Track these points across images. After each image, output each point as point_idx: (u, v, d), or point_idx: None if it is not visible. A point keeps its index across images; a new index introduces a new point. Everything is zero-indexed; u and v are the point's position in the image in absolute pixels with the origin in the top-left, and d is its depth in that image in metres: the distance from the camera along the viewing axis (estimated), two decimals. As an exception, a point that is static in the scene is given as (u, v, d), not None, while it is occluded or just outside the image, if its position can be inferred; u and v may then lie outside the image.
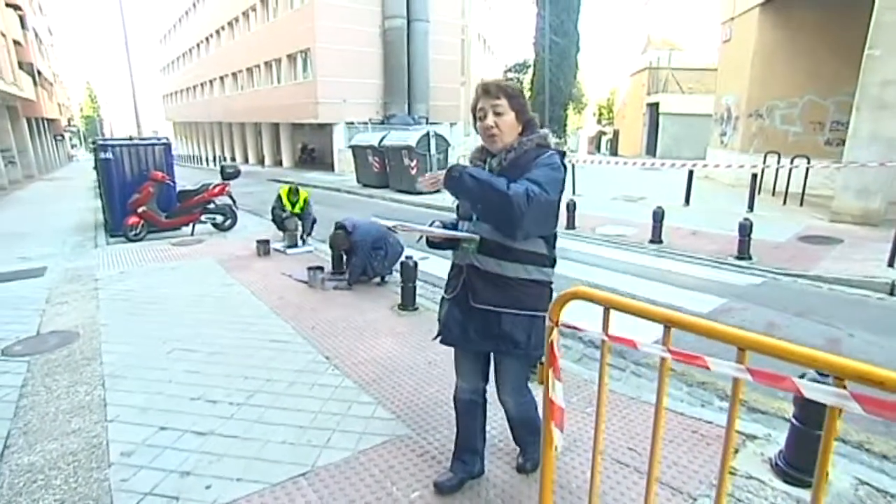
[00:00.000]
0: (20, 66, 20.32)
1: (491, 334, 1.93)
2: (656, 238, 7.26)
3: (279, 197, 7.38)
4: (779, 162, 10.31)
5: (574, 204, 8.36)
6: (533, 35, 26.22)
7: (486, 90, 1.90)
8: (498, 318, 1.91)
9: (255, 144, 32.22)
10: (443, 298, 2.13)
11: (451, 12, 25.61)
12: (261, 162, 30.59)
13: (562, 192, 1.88)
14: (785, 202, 9.80)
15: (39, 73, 25.73)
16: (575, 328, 1.67)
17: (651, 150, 26.54)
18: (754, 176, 9.30)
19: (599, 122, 46.57)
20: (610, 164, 13.67)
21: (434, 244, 2.10)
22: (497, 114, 1.89)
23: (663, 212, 7.27)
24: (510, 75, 36.55)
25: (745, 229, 6.24)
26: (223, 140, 37.05)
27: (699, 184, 10.85)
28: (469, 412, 2.25)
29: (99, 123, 51.58)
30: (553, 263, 2.00)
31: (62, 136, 34.22)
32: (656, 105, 25.62)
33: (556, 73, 24.17)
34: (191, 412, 2.88)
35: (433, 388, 3.19)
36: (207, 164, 30.61)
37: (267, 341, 3.94)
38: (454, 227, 2.11)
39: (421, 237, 2.00)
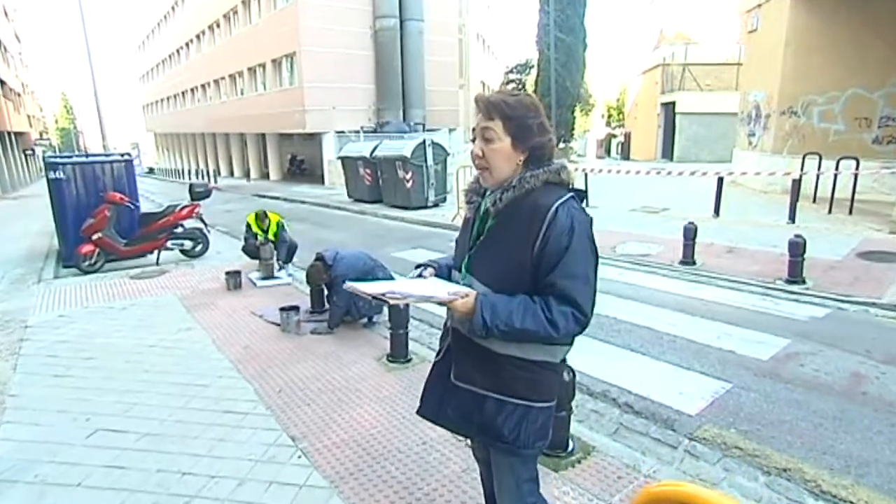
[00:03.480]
0: (-21, 76, 19.95)
1: (468, 419, 1.60)
2: (688, 258, 6.66)
3: (248, 225, 6.83)
4: (820, 165, 9.72)
5: (590, 218, 7.74)
6: (536, 33, 25.94)
7: (478, 106, 1.51)
8: (481, 401, 1.57)
9: (241, 156, 31.86)
10: None
11: (447, 11, 25.30)
12: (246, 175, 30.18)
13: (596, 256, 1.49)
14: (830, 210, 9.18)
15: (3, 82, 25.36)
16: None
17: (667, 153, 26.00)
18: (795, 181, 8.70)
19: (609, 124, 46.22)
20: (630, 174, 13.13)
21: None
22: (486, 139, 1.49)
23: (696, 228, 6.68)
24: (511, 77, 36.36)
25: (797, 248, 5.60)
26: (206, 152, 36.75)
27: (726, 190, 10.29)
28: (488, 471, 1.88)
29: (75, 136, 51.38)
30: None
31: (32, 150, 33.81)
32: (672, 104, 25.14)
33: (561, 72, 23.79)
34: (98, 537, 2.25)
35: (429, 485, 2.56)
36: (190, 177, 30.18)
37: (220, 413, 3.31)
38: (449, 270, 1.72)
39: (406, 300, 1.51)
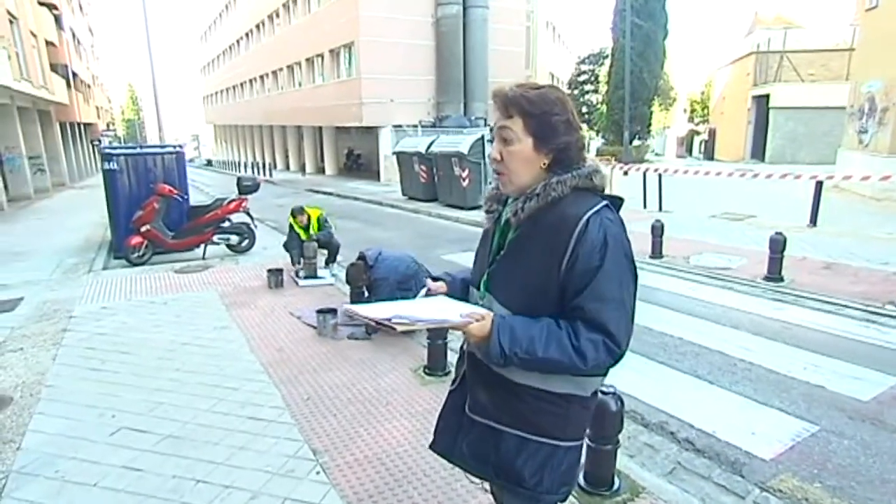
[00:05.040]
0: (53, 68, 21.72)
1: (484, 458, 1.50)
2: (775, 273, 6.21)
3: (291, 226, 7.00)
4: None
5: (661, 225, 7.40)
6: (611, 19, 25.25)
7: (495, 101, 1.41)
8: (497, 437, 1.47)
9: (297, 150, 33.01)
10: None
11: (515, -4, 25.09)
12: (302, 169, 31.22)
13: (635, 276, 1.35)
14: (958, 224, 8.33)
15: (75, 75, 27.56)
16: None
17: (758, 152, 24.60)
18: (913, 189, 7.94)
19: (691, 119, 44.58)
20: (710, 175, 12.46)
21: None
22: (504, 140, 1.38)
23: (785, 239, 6.21)
24: (584, 67, 35.62)
25: (911, 268, 5.08)
26: (263, 145, 38.40)
27: (827, 196, 9.56)
28: None
29: (139, 127, 54.81)
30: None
31: (99, 140, 36.56)
32: (766, 97, 23.74)
33: (638, 62, 23.04)
34: (107, 542, 2.32)
35: (454, 517, 2.47)
36: (246, 171, 31.61)
37: (244, 419, 3.37)
38: (465, 285, 1.64)
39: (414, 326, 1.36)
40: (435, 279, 1.62)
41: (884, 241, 7.81)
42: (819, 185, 9.06)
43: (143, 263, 7.77)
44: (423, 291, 1.57)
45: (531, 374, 1.37)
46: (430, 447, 1.69)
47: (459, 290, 1.60)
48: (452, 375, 4.06)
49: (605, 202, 1.34)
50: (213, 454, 2.97)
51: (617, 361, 1.31)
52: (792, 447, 3.05)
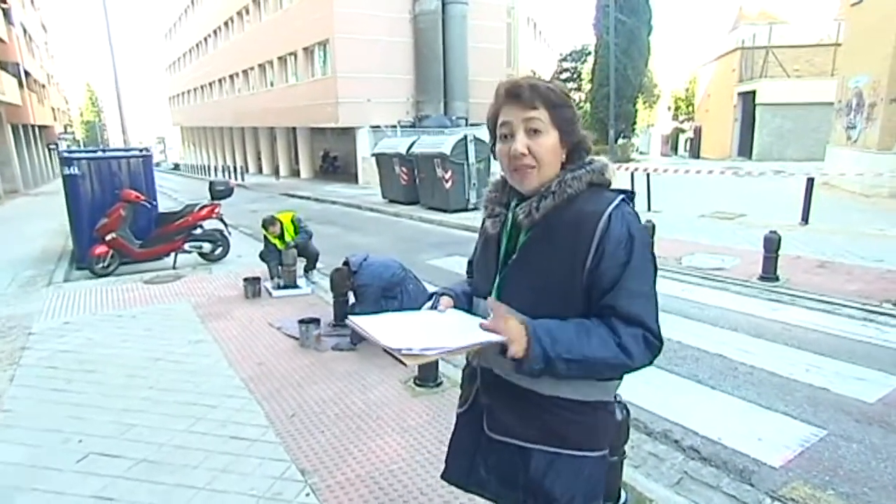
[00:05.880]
0: (2, 65, 21.18)
1: (511, 481, 1.43)
2: (770, 273, 6.30)
3: (265, 239, 6.81)
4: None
5: (652, 226, 7.45)
6: (594, 15, 25.55)
7: (515, 94, 1.34)
8: (525, 456, 1.40)
9: (270, 152, 32.72)
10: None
11: (495, -8, 25.25)
12: (276, 172, 30.93)
13: (656, 269, 1.35)
14: (950, 220, 8.56)
15: (28, 73, 26.91)
16: None
17: (745, 150, 25.06)
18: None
19: (676, 117, 45.22)
20: (700, 174, 12.65)
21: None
22: (533, 131, 1.32)
23: (779, 238, 6.29)
24: (566, 65, 35.97)
25: (908, 265, 5.18)
26: (234, 147, 38.00)
27: (817, 193, 9.75)
28: None
29: (100, 129, 53.74)
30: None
31: (56, 144, 35.70)
32: (752, 94, 24.21)
33: (622, 59, 23.35)
34: (79, 578, 2.21)
35: (454, 538, 2.41)
36: (216, 174, 31.21)
37: (226, 438, 3.27)
38: (469, 299, 1.55)
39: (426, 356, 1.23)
40: (442, 294, 1.53)
41: (876, 237, 7.98)
42: (810, 182, 9.25)
43: (108, 274, 7.55)
44: (429, 304, 1.49)
45: (560, 383, 1.32)
46: (443, 477, 1.63)
47: (465, 304, 1.53)
48: (444, 385, 4.00)
49: (621, 196, 1.32)
50: (193, 478, 2.87)
51: (656, 356, 1.28)
52: (801, 453, 3.06)
